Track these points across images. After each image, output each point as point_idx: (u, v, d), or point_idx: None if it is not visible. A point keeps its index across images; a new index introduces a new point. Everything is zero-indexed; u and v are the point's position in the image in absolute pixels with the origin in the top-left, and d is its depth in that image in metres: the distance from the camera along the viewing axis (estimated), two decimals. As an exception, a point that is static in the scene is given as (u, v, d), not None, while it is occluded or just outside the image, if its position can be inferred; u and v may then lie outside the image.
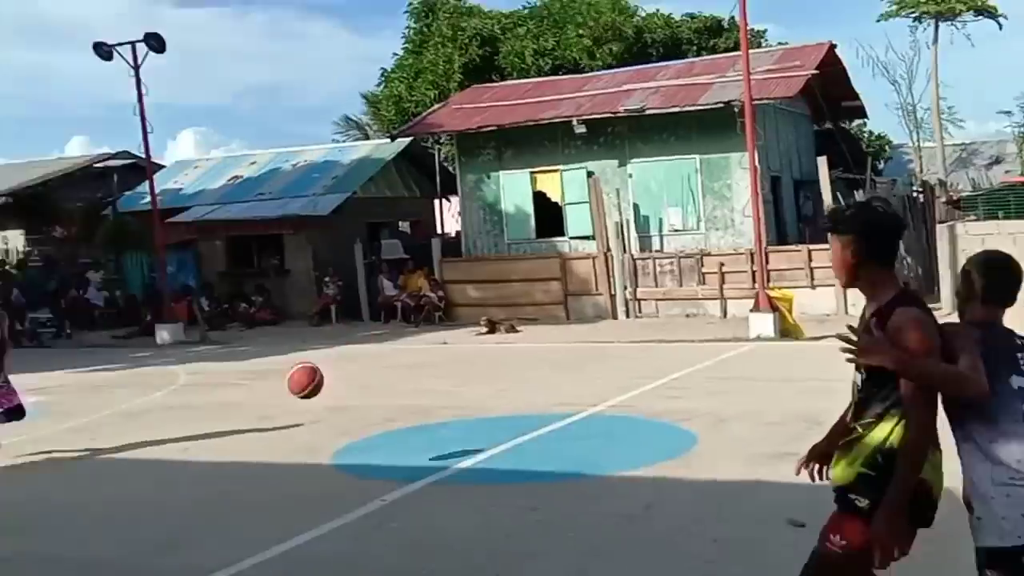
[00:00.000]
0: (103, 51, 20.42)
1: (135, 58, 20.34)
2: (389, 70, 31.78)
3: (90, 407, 12.27)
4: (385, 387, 12.75)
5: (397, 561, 5.82)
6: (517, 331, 18.36)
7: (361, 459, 8.56)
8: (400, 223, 25.96)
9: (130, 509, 7.51)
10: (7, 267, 24.71)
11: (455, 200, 24.79)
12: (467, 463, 8.14)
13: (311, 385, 7.86)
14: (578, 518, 6.38)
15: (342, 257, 22.67)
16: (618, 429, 9.34)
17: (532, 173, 21.23)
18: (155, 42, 20.22)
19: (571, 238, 20.84)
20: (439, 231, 25.24)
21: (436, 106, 24.69)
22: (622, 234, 19.73)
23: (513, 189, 21.40)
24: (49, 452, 9.64)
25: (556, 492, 7.11)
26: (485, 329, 18.40)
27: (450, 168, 25.85)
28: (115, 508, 7.57)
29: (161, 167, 25.83)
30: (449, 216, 26.72)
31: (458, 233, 24.23)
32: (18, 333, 20.83)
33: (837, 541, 3.29)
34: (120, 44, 20.46)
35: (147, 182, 22.36)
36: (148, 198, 22.52)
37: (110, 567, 6.13)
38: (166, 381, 14.46)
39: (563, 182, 20.86)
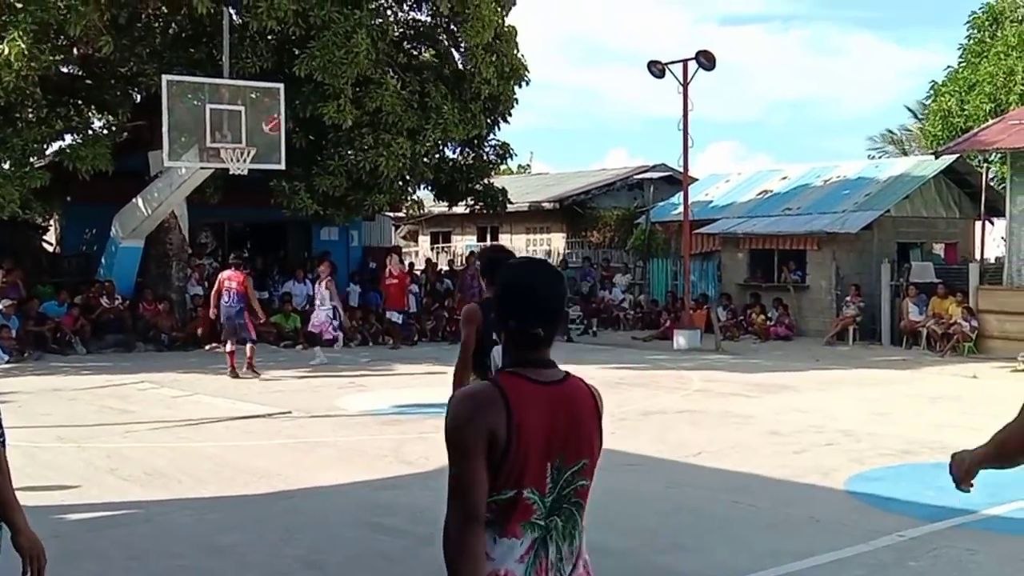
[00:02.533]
0: (656, 69, 21.45)
1: (685, 75, 21.16)
2: (940, 83, 30.01)
3: (611, 403, 12.89)
4: (905, 417, 11.95)
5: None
6: (1061, 372, 16.40)
7: (877, 489, 8.07)
8: (934, 245, 24.33)
9: (638, 505, 7.76)
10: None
11: (999, 223, 22.70)
12: (998, 510, 7.34)
13: None
14: None
15: (866, 276, 21.82)
16: None
17: (1098, 196, 18.80)
18: (705, 60, 20.87)
19: None
20: (977, 256, 23.26)
21: (990, 122, 22.75)
22: None
23: (1072, 214, 19.09)
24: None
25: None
26: (1022, 366, 16.67)
27: (998, 189, 23.71)
28: (625, 501, 7.86)
29: (694, 180, 26.64)
30: (990, 240, 24.53)
31: (999, 259, 22.19)
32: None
33: None
34: (672, 62, 21.39)
35: (679, 193, 23.19)
36: (679, 208, 23.36)
37: (615, 557, 6.35)
38: (680, 385, 14.83)
39: None
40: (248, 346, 15.33)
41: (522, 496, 2.63)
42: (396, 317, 20.50)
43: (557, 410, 2.68)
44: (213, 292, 15.87)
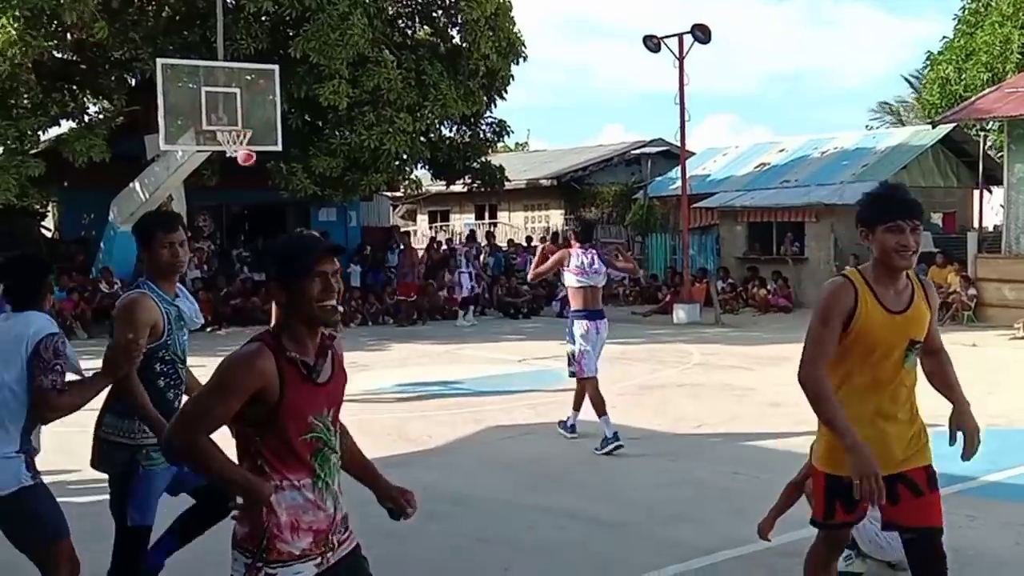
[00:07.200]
0: (652, 44, 21.34)
1: (681, 49, 21.07)
2: (936, 52, 29.90)
3: (609, 378, 12.95)
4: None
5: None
6: (1059, 339, 16.48)
7: (876, 458, 8.12)
8: (932, 214, 24.34)
9: (639, 478, 7.83)
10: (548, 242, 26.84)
11: (998, 192, 22.71)
12: (997, 476, 7.40)
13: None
14: None
15: (864, 248, 21.80)
16: None
17: (1094, 163, 18.80)
18: (701, 33, 20.78)
19: None
20: (976, 225, 23.27)
21: (987, 90, 22.69)
22: None
23: (1069, 181, 19.10)
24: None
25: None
26: (1022, 333, 16.73)
27: (996, 157, 23.70)
28: (626, 474, 7.94)
29: (691, 154, 26.63)
30: (989, 209, 24.55)
31: (997, 227, 22.21)
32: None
33: None
34: (668, 36, 21.30)
35: (678, 168, 23.20)
36: (677, 183, 23.36)
37: (616, 529, 6.43)
38: (680, 359, 14.89)
39: None
40: None
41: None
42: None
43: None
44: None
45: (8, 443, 4.18)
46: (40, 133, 19.53)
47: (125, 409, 4.42)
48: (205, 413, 3.02)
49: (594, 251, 9.06)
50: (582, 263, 8.85)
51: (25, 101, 18.78)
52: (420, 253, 25.17)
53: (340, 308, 3.18)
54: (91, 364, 4.69)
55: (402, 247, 23.62)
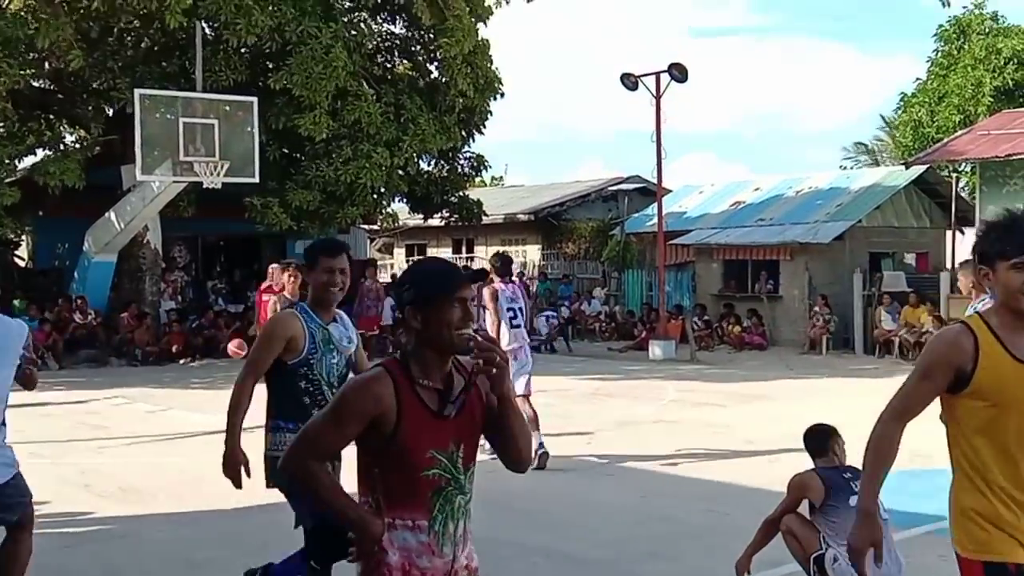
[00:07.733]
0: (629, 82, 21.57)
1: (658, 88, 21.29)
2: (909, 94, 30.36)
3: (584, 414, 12.96)
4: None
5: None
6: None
7: (850, 496, 8.12)
8: (905, 254, 24.57)
9: (614, 515, 7.80)
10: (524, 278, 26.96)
11: (970, 233, 22.95)
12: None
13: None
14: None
15: (839, 286, 21.98)
16: None
17: (1064, 206, 19.08)
18: (678, 72, 21.01)
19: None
20: (948, 265, 23.49)
21: (959, 132, 23.05)
22: None
23: (1040, 223, 19.32)
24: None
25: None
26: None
27: (968, 199, 23.99)
28: (601, 511, 7.91)
29: (668, 191, 26.79)
30: (961, 250, 24.77)
31: (970, 268, 22.45)
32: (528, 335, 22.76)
33: None
34: (645, 75, 21.53)
35: (654, 204, 23.33)
36: (654, 220, 23.49)
37: (592, 567, 6.39)
38: (655, 395, 14.88)
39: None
40: None
41: None
42: None
43: None
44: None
45: (4, 435, 4.85)
46: (16, 162, 19.42)
47: (276, 425, 4.88)
48: (319, 437, 2.94)
49: (513, 284, 9.85)
50: (506, 296, 9.53)
51: (1, 129, 18.68)
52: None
53: (478, 337, 2.97)
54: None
55: (364, 279, 23.16)
